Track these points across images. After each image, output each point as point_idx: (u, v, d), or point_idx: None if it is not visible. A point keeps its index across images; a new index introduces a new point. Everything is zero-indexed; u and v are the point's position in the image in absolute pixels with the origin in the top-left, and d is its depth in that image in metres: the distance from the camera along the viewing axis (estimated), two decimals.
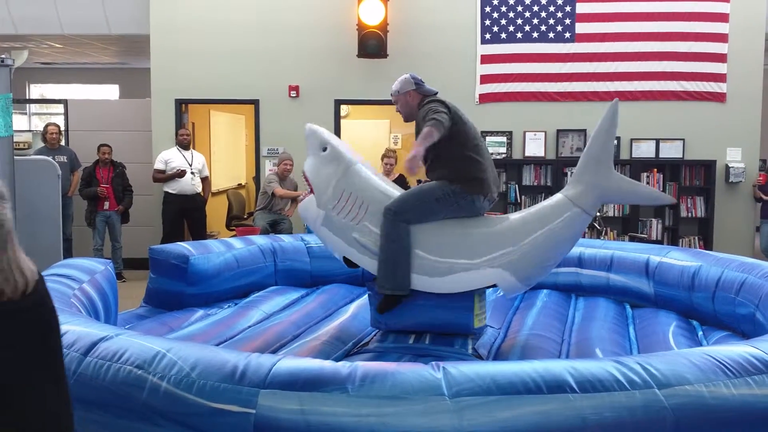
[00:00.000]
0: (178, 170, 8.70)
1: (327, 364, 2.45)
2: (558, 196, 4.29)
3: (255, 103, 9.34)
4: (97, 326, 3.02)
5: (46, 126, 9.32)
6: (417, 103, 4.46)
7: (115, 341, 2.73)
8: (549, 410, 2.31)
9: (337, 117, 9.30)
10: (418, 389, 2.29)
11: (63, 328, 2.88)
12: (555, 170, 8.86)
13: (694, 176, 8.97)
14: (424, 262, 4.19)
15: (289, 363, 2.45)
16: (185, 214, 8.91)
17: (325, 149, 4.57)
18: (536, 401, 2.32)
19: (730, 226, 8.88)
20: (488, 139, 9.00)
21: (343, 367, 2.41)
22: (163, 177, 8.78)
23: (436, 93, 4.45)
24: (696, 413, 2.43)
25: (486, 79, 9.01)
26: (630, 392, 2.40)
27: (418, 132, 4.27)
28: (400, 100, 4.55)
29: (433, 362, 2.47)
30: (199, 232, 8.88)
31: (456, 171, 4.23)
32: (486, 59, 8.98)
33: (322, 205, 4.45)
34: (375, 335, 4.59)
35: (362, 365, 2.43)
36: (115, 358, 2.61)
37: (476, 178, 4.24)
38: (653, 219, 8.93)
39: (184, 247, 5.48)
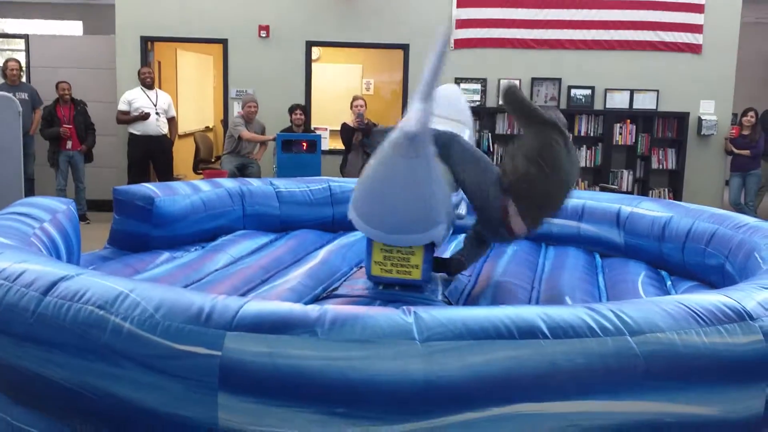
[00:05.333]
0: (141, 112, 8.49)
1: (296, 307, 2.38)
2: None
3: (223, 42, 9.11)
4: (57, 265, 2.92)
5: (6, 61, 9.02)
6: None
7: (76, 281, 2.64)
8: (520, 355, 2.27)
9: (309, 60, 9.11)
10: (388, 333, 2.24)
11: (21, 266, 2.80)
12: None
13: (667, 128, 8.98)
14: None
15: (256, 305, 2.38)
16: (151, 156, 8.74)
17: None
18: (508, 346, 2.28)
19: (700, 178, 8.94)
20: (462, 85, 8.89)
21: (312, 310, 2.35)
22: (126, 119, 8.58)
23: None
24: (667, 360, 2.42)
25: (462, 24, 8.86)
26: (602, 339, 2.37)
27: None
28: None
29: (404, 307, 2.41)
30: (166, 174, 8.71)
31: None
32: (462, 3, 8.83)
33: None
34: (345, 281, 4.54)
35: (332, 308, 2.37)
36: (76, 298, 2.52)
37: None
38: (624, 170, 8.96)
39: (150, 188, 5.35)
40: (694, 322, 2.53)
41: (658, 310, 2.55)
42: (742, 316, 2.60)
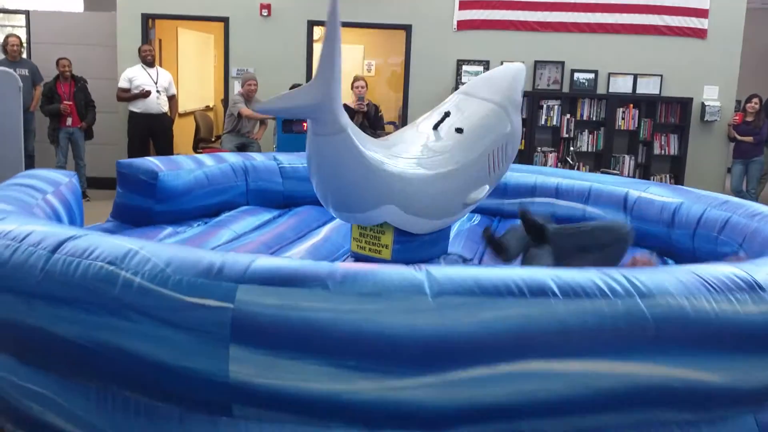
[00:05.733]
0: (142, 90, 8.46)
1: (307, 263, 2.39)
2: None
3: (224, 21, 9.07)
4: (64, 227, 2.93)
5: (7, 37, 8.97)
6: None
7: (85, 239, 2.63)
8: (531, 313, 2.28)
9: (310, 40, 9.09)
10: (399, 288, 2.24)
11: (27, 228, 2.80)
12: (531, 102, 8.78)
13: (670, 113, 8.96)
14: None
15: (267, 260, 2.38)
16: (151, 134, 8.72)
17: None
18: (518, 304, 2.29)
19: (702, 165, 8.93)
20: (464, 68, 8.88)
21: (324, 265, 2.35)
22: (127, 96, 8.54)
23: None
24: (676, 325, 2.42)
25: (465, 5, 8.83)
26: (612, 300, 2.38)
27: None
28: None
29: (416, 264, 2.42)
30: (166, 153, 8.67)
31: None
32: None
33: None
34: (347, 258, 4.54)
35: (343, 265, 2.37)
36: (85, 254, 2.52)
37: None
38: (626, 155, 8.95)
39: (153, 162, 5.34)
40: (705, 290, 2.53)
41: (669, 277, 2.56)
42: (753, 287, 2.60)
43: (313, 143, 3.51)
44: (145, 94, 8.46)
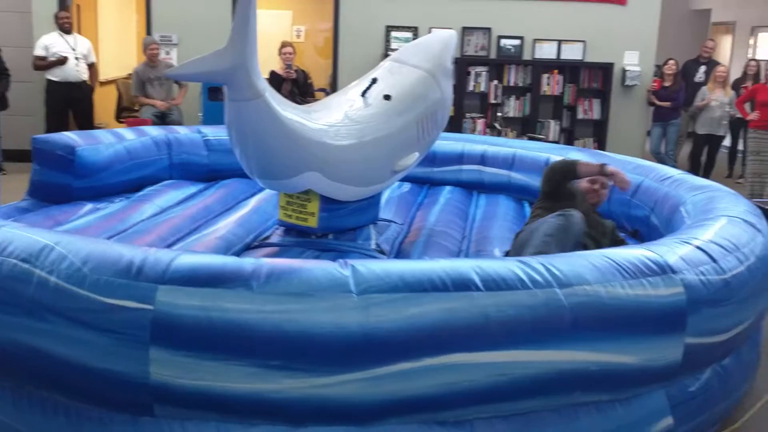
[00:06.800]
0: (59, 57, 8.14)
1: (230, 260, 2.36)
2: None
3: None
4: None
5: None
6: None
7: None
8: (454, 307, 2.32)
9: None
10: (325, 286, 2.25)
11: None
12: (459, 68, 8.78)
13: (593, 79, 9.10)
14: None
15: (189, 258, 2.34)
16: (71, 104, 8.40)
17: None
18: (442, 299, 2.32)
19: (623, 128, 9.12)
20: (393, 34, 8.82)
21: (248, 263, 2.33)
22: (44, 64, 8.20)
23: None
24: (593, 312, 2.51)
25: None
26: (532, 291, 2.44)
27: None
28: (608, 190, 4.25)
29: (341, 260, 2.41)
30: (86, 123, 8.39)
31: None
32: None
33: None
34: (276, 229, 4.50)
35: (267, 262, 2.35)
36: None
37: None
38: (551, 120, 9.07)
39: (71, 137, 5.16)
40: (619, 275, 2.62)
41: (585, 264, 2.63)
42: (664, 270, 2.71)
43: (230, 109, 3.43)
44: (62, 61, 8.13)
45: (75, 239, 2.55)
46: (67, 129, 7.88)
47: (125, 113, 9.43)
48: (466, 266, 2.44)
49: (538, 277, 2.46)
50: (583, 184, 4.15)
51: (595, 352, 2.51)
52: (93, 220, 4.59)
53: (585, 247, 3.65)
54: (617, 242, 4.06)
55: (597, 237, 3.93)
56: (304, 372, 2.19)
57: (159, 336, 2.18)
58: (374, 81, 4.34)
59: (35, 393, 2.42)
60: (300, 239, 4.22)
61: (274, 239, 4.31)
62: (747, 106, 8.22)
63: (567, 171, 4.05)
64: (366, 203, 4.44)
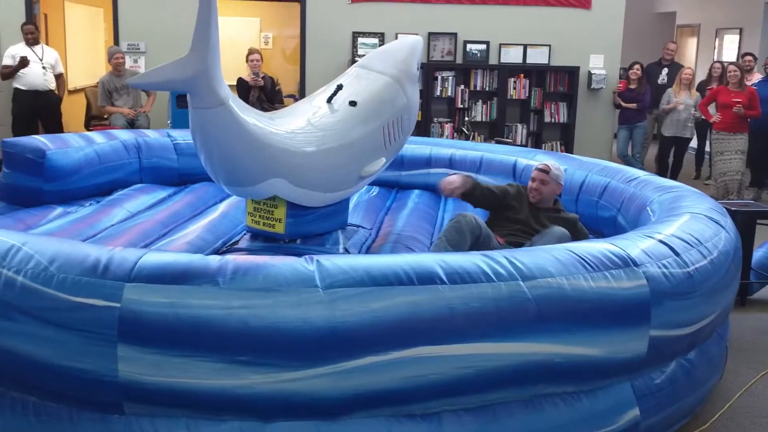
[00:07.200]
0: (21, 58, 8.06)
1: (196, 258, 2.38)
2: None
3: None
4: None
5: None
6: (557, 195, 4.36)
7: None
8: (419, 300, 2.35)
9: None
10: (291, 281, 2.27)
11: None
12: (425, 73, 8.85)
13: (559, 82, 9.21)
14: None
15: (155, 257, 2.36)
16: (39, 113, 8.35)
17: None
18: (407, 292, 2.35)
19: (590, 131, 9.24)
20: (360, 40, 8.87)
21: (214, 260, 2.35)
22: (8, 71, 8.14)
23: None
24: (557, 304, 2.55)
25: None
26: (496, 284, 2.47)
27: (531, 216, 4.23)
28: (551, 185, 4.29)
29: (307, 256, 2.44)
30: (55, 132, 8.32)
31: None
32: None
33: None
34: (245, 235, 4.51)
35: (233, 259, 2.37)
36: None
37: None
38: (518, 124, 9.16)
39: (40, 140, 5.15)
40: (582, 268, 2.67)
41: (549, 257, 2.68)
42: (627, 263, 2.76)
43: (194, 116, 3.45)
44: (24, 62, 8.05)
45: (42, 239, 2.56)
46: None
47: (94, 122, 9.37)
48: (431, 260, 2.48)
49: (501, 270, 2.51)
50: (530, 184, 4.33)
51: (560, 344, 2.55)
52: (63, 223, 4.59)
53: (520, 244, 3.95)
54: (580, 234, 4.18)
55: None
56: (271, 367, 2.22)
57: (126, 333, 2.19)
58: (340, 87, 4.37)
59: (5, 393, 2.41)
60: (268, 244, 4.24)
61: (243, 245, 4.32)
62: (711, 108, 8.36)
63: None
64: (333, 208, 4.47)
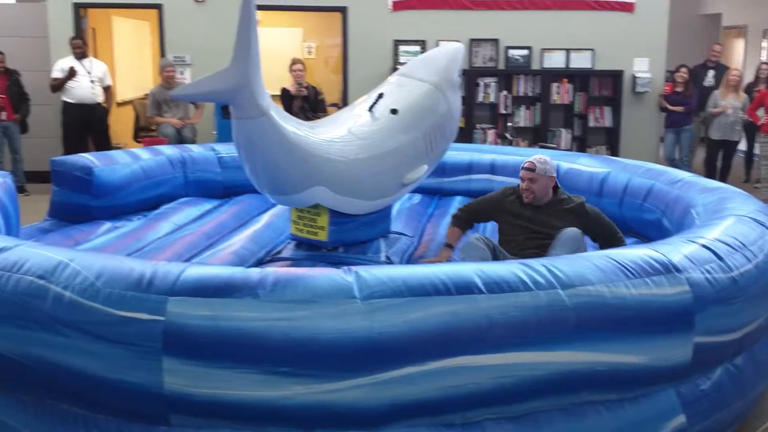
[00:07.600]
0: (69, 68, 8.26)
1: (237, 271, 2.42)
2: None
3: (158, 7, 8.91)
4: None
5: None
6: (551, 188, 4.22)
7: (14, 252, 2.63)
8: (457, 310, 2.36)
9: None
10: (329, 293, 2.30)
11: None
12: (468, 80, 8.85)
13: (603, 86, 9.12)
14: None
15: (197, 270, 2.41)
16: (87, 126, 8.55)
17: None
18: (445, 302, 2.36)
19: (636, 135, 9.13)
20: (401, 47, 8.90)
21: (254, 273, 2.39)
22: (58, 83, 8.37)
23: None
24: (597, 312, 2.53)
25: None
26: (534, 292, 2.47)
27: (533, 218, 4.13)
28: (541, 180, 4.12)
29: (345, 267, 2.47)
30: (104, 144, 8.53)
31: None
32: None
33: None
34: (288, 244, 4.57)
35: (273, 271, 2.41)
36: (15, 268, 2.52)
37: None
38: (562, 129, 9.09)
39: (87, 158, 5.29)
40: (623, 275, 2.64)
41: (588, 265, 2.66)
42: (668, 269, 2.73)
43: (237, 127, 3.52)
44: (72, 73, 8.26)
45: (88, 255, 2.63)
46: (86, 150, 8.00)
47: (142, 133, 9.58)
48: (469, 270, 2.49)
49: (540, 279, 2.50)
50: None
51: (601, 352, 2.53)
52: (111, 238, 4.70)
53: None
54: (589, 216, 4.11)
55: (551, 232, 4.01)
56: (312, 378, 2.24)
57: (171, 346, 2.24)
58: (381, 96, 4.40)
59: (55, 406, 2.48)
60: (311, 253, 4.29)
61: (286, 253, 4.38)
62: (760, 111, 8.18)
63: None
64: (376, 216, 4.50)
